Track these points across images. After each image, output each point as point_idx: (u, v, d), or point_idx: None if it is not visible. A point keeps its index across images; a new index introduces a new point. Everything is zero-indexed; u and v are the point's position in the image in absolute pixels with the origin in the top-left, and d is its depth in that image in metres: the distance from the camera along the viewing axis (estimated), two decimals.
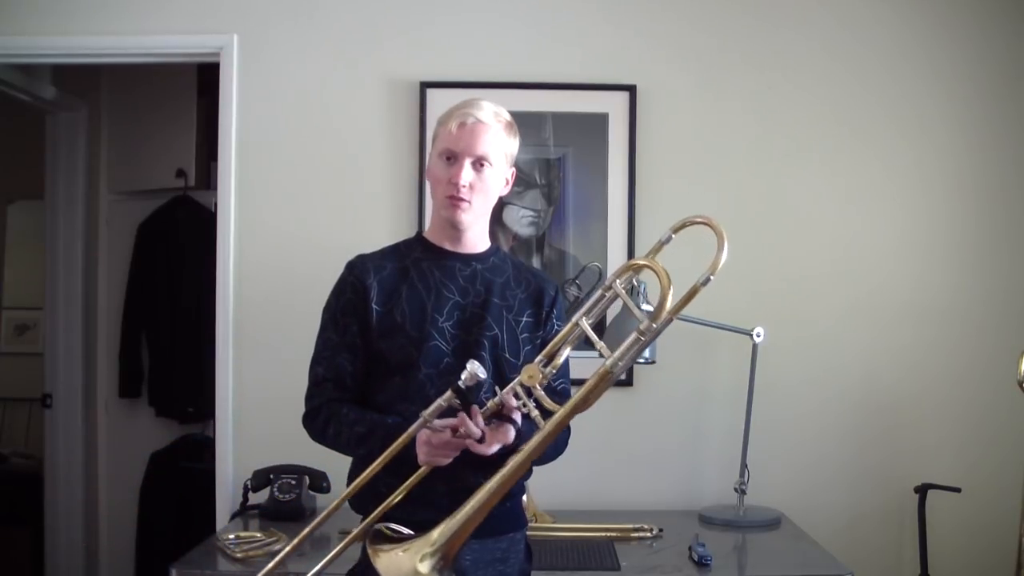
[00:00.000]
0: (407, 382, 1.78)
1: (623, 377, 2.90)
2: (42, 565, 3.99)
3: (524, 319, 1.87)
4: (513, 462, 1.55)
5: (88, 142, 4.03)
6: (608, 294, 1.68)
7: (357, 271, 1.86)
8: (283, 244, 2.92)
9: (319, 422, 1.82)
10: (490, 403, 1.65)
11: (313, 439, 1.84)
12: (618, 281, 1.67)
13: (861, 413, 2.93)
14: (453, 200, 1.80)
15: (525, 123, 2.92)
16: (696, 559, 2.29)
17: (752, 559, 2.50)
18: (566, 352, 1.67)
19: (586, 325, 1.63)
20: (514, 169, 1.91)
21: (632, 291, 2.70)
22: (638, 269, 1.67)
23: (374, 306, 1.82)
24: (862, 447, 2.93)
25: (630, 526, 2.55)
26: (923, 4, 2.96)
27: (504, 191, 1.90)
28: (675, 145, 2.94)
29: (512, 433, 1.68)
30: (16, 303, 5.08)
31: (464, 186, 1.79)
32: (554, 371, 1.65)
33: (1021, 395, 2.56)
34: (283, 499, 2.69)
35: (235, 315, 2.92)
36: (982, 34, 2.95)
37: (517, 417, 1.67)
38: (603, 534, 2.53)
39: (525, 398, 1.63)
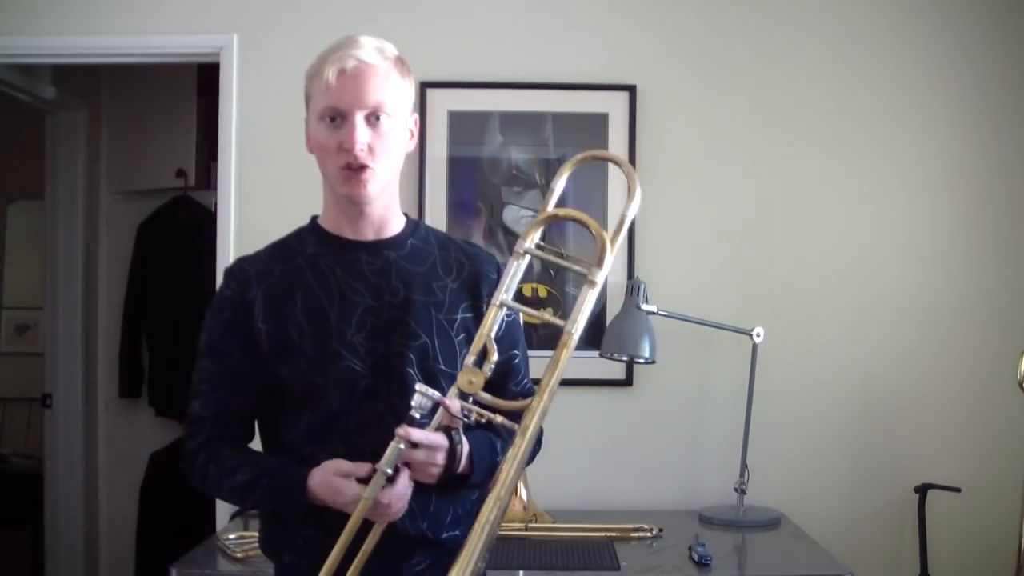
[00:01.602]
0: (317, 416, 1.43)
1: (623, 377, 2.90)
2: (42, 565, 3.99)
3: (459, 316, 1.50)
4: (503, 479, 1.30)
5: (88, 142, 4.03)
6: (522, 261, 1.42)
7: (236, 282, 1.48)
8: None
9: (198, 467, 1.49)
10: (433, 421, 1.34)
11: (196, 487, 1.53)
12: (530, 240, 1.42)
13: (861, 413, 2.92)
14: (351, 171, 1.43)
15: (525, 123, 2.94)
16: (696, 559, 2.29)
17: (752, 559, 2.50)
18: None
19: (511, 302, 1.40)
20: (416, 116, 1.55)
21: (633, 290, 2.70)
22: (551, 221, 1.47)
23: (260, 325, 1.45)
24: (862, 447, 2.92)
25: (630, 526, 2.55)
26: (923, 5, 2.95)
27: (410, 147, 1.52)
28: (675, 145, 2.94)
29: (440, 455, 1.35)
30: (16, 303, 5.09)
31: (362, 149, 1.41)
32: (492, 366, 1.35)
33: (1021, 395, 2.55)
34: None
35: None
36: (985, 34, 2.95)
37: (441, 442, 1.35)
38: (603, 534, 2.53)
39: (472, 407, 1.35)
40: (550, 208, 1.48)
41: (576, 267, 1.44)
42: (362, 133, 1.41)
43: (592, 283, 1.39)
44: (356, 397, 1.43)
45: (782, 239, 2.94)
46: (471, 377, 1.34)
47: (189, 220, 3.97)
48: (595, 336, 2.86)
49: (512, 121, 2.91)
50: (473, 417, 1.36)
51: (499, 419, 1.34)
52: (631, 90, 2.91)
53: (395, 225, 1.54)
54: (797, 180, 2.95)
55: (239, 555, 2.30)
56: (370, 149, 1.43)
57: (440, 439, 1.35)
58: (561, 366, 1.36)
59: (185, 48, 2.99)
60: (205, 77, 3.75)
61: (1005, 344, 2.80)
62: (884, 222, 2.95)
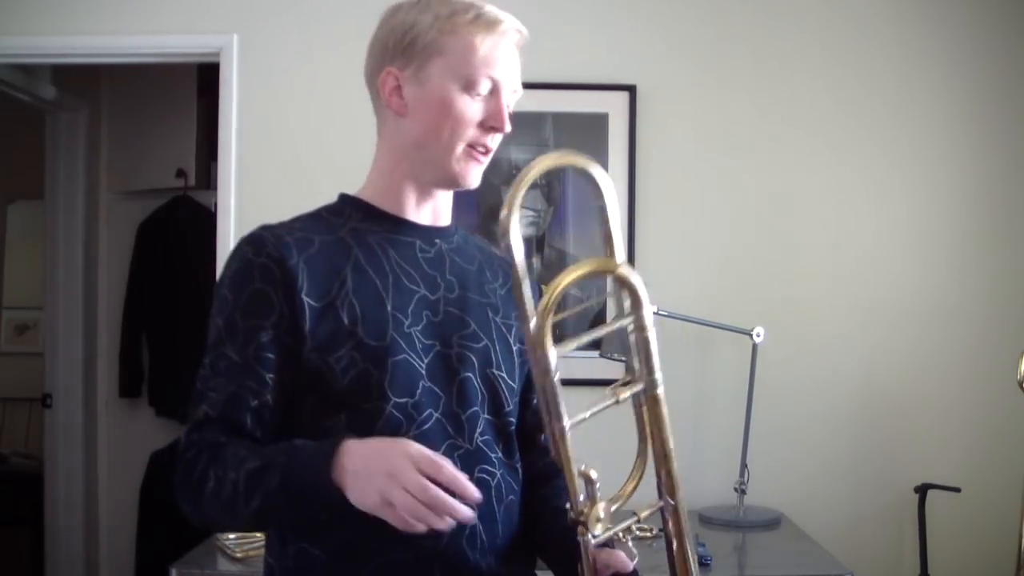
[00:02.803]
0: (366, 421, 1.14)
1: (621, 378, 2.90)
2: (42, 565, 3.99)
3: (514, 323, 1.31)
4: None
5: (88, 142, 4.03)
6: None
7: (270, 247, 1.18)
8: None
9: (192, 481, 1.13)
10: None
11: (186, 513, 1.20)
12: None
13: (861, 413, 2.93)
14: (479, 152, 1.24)
15: (525, 123, 2.94)
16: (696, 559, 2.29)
17: (752, 559, 2.50)
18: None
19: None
20: None
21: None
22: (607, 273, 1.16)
23: (305, 299, 1.16)
24: (862, 447, 2.92)
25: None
26: (923, 4, 2.96)
27: None
28: (675, 145, 2.94)
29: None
30: (16, 303, 5.08)
31: (505, 133, 1.24)
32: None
33: (1021, 395, 2.55)
34: None
35: None
36: (985, 34, 2.95)
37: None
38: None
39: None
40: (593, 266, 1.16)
41: (624, 322, 1.16)
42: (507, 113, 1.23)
43: (644, 329, 1.12)
44: (416, 401, 1.18)
45: (782, 239, 2.94)
46: (598, 516, 1.13)
47: (189, 220, 3.97)
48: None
49: (512, 121, 2.90)
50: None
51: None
52: (631, 90, 2.91)
53: (448, 216, 1.34)
54: (797, 180, 2.95)
55: (239, 555, 2.30)
56: (507, 132, 1.26)
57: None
58: (668, 427, 1.15)
59: (185, 48, 2.99)
60: (205, 77, 3.75)
61: (1005, 344, 2.80)
62: (884, 222, 2.96)
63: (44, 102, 3.80)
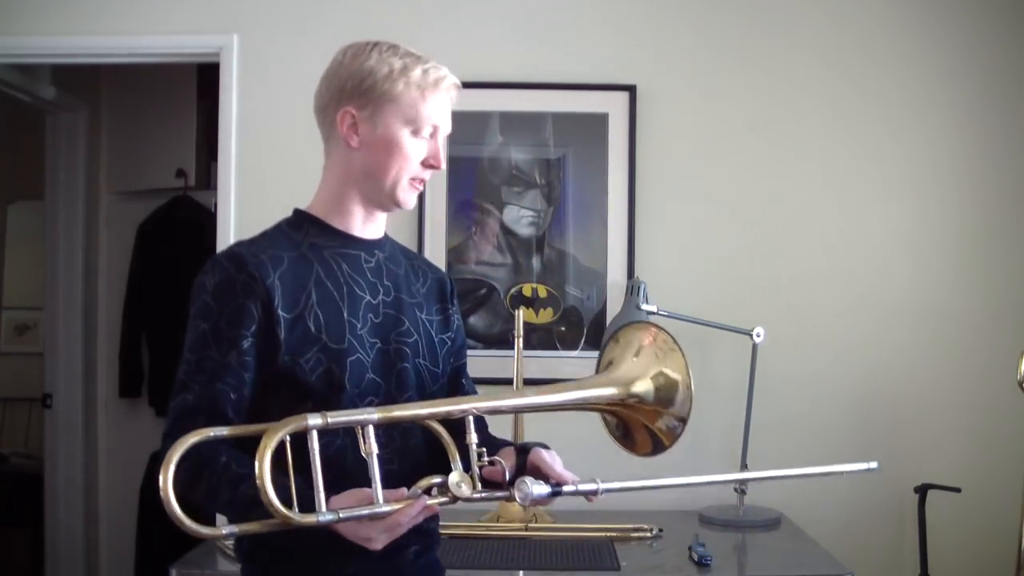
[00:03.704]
0: (324, 408, 1.30)
1: None
2: (42, 565, 3.99)
3: (435, 317, 1.58)
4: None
5: (88, 142, 4.03)
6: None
7: (251, 266, 1.40)
8: None
9: (184, 472, 1.25)
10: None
11: (175, 493, 1.24)
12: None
13: (861, 413, 2.92)
14: (418, 183, 1.50)
15: (525, 123, 2.94)
16: (696, 559, 2.29)
17: (752, 559, 2.50)
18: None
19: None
20: None
21: (633, 290, 2.70)
22: None
23: (280, 312, 1.39)
24: (862, 447, 2.92)
25: (630, 526, 2.55)
26: (919, 7, 2.96)
27: None
28: (675, 145, 2.94)
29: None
30: (16, 303, 5.09)
31: (442, 168, 1.51)
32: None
33: (1021, 395, 2.55)
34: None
35: None
36: (978, 35, 2.95)
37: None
38: (603, 534, 2.53)
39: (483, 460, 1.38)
40: None
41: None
42: (444, 153, 1.51)
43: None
44: (361, 391, 1.43)
45: (782, 239, 2.94)
46: (461, 485, 1.32)
47: (189, 220, 3.97)
48: (595, 336, 2.87)
49: (512, 121, 2.91)
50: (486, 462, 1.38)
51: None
52: (631, 90, 2.91)
53: (382, 229, 1.59)
54: (797, 180, 2.95)
55: None
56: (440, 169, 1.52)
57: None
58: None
59: (185, 48, 2.99)
60: (205, 77, 3.75)
61: (1005, 344, 2.80)
62: (884, 222, 2.95)
63: (44, 102, 3.80)
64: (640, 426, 1.55)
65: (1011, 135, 2.95)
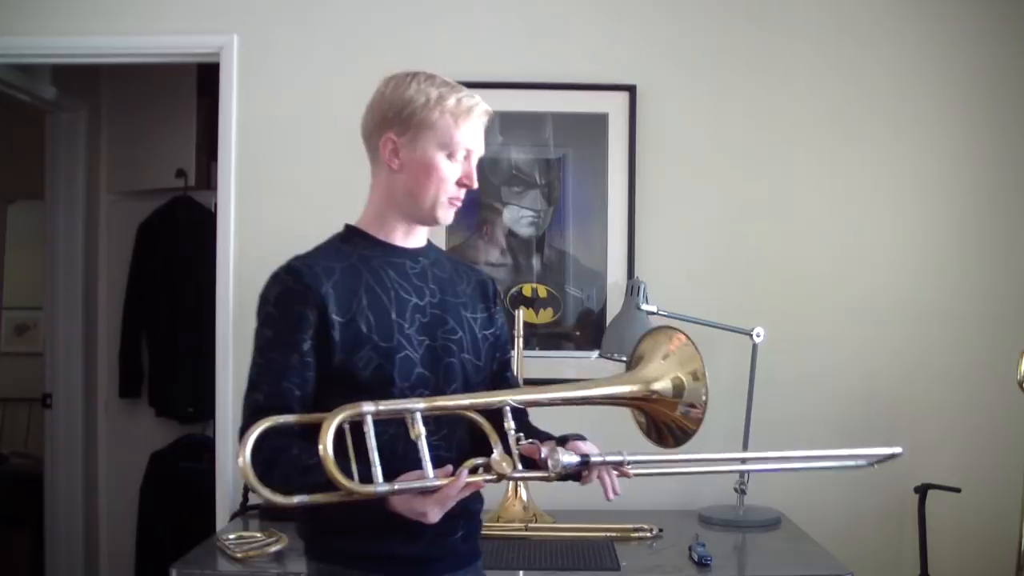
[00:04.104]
0: (377, 399, 1.49)
1: None
2: (42, 565, 3.99)
3: (479, 315, 1.73)
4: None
5: (88, 142, 4.03)
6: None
7: (306, 278, 1.58)
8: (283, 244, 2.86)
9: (260, 464, 1.43)
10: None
11: (252, 481, 1.45)
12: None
13: (861, 413, 2.92)
14: (457, 202, 1.65)
15: (525, 123, 2.94)
16: (696, 559, 2.29)
17: (752, 559, 2.50)
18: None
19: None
20: None
21: (633, 290, 2.70)
22: None
23: (335, 317, 1.56)
24: (862, 447, 2.91)
25: (630, 526, 2.55)
26: (921, 7, 2.96)
27: None
28: (675, 145, 2.94)
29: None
30: (16, 303, 5.09)
31: (475, 187, 1.66)
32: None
33: (1021, 395, 2.55)
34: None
35: (235, 315, 2.91)
36: (980, 37, 2.95)
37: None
38: (603, 534, 2.53)
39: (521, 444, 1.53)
40: None
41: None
42: (476, 173, 1.66)
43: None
44: (411, 384, 1.59)
45: (782, 239, 2.94)
46: (503, 465, 1.47)
47: (189, 220, 3.97)
48: (595, 336, 2.86)
49: (512, 121, 2.91)
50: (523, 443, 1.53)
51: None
52: (631, 90, 2.91)
53: (424, 239, 1.74)
54: (797, 180, 2.95)
55: (239, 555, 2.30)
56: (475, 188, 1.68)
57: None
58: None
59: (185, 48, 2.99)
60: (205, 77, 3.75)
61: (1005, 344, 2.80)
62: (885, 222, 2.95)
63: (44, 102, 3.80)
64: (665, 419, 1.76)
65: (1013, 137, 2.94)
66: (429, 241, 1.75)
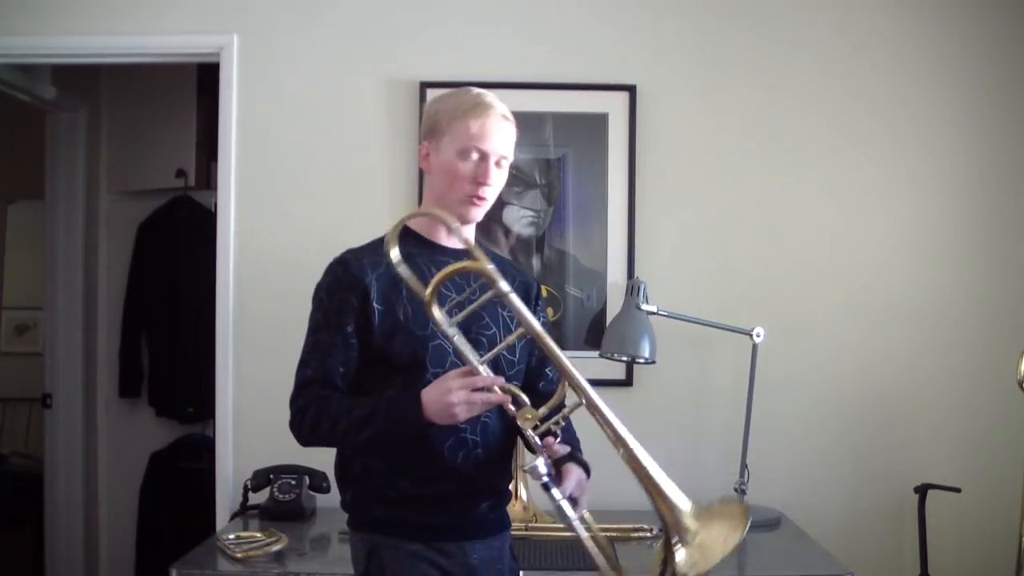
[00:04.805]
0: (411, 383, 1.70)
1: (623, 377, 2.90)
2: (42, 565, 3.99)
3: None
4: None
5: (88, 142, 4.03)
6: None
7: (353, 269, 1.77)
8: (283, 244, 2.92)
9: (308, 420, 1.73)
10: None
11: (302, 442, 1.76)
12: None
13: (861, 413, 2.93)
14: (475, 199, 1.77)
15: (525, 123, 2.90)
16: None
17: (752, 559, 2.50)
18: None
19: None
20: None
21: (633, 290, 2.70)
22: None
23: (375, 305, 1.74)
24: (862, 447, 2.93)
25: (630, 526, 2.55)
26: (919, 9, 2.96)
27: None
28: (675, 145, 2.94)
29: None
30: (16, 303, 5.08)
31: (490, 186, 1.77)
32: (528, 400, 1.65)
33: (1021, 395, 2.56)
34: (283, 499, 2.69)
35: (235, 315, 2.92)
36: (977, 39, 2.95)
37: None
38: (603, 534, 2.52)
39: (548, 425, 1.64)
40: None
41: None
42: (497, 175, 1.78)
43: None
44: (446, 371, 1.69)
45: (782, 239, 2.94)
46: (527, 415, 1.62)
47: (189, 220, 3.97)
48: (595, 336, 2.86)
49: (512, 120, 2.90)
50: (553, 428, 1.64)
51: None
52: (631, 90, 2.92)
53: (470, 238, 1.81)
54: (797, 180, 2.95)
55: (239, 555, 2.30)
56: (493, 186, 1.78)
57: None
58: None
59: (185, 48, 2.99)
60: (205, 77, 3.75)
61: (1005, 344, 2.80)
62: (884, 222, 2.96)
63: (44, 102, 3.80)
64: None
65: (1008, 136, 2.95)
66: (479, 242, 1.82)
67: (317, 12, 2.94)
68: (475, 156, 1.76)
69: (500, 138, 1.78)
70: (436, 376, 1.70)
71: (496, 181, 1.79)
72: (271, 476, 2.72)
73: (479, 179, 1.76)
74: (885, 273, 2.95)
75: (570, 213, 2.93)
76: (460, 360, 1.69)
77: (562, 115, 2.92)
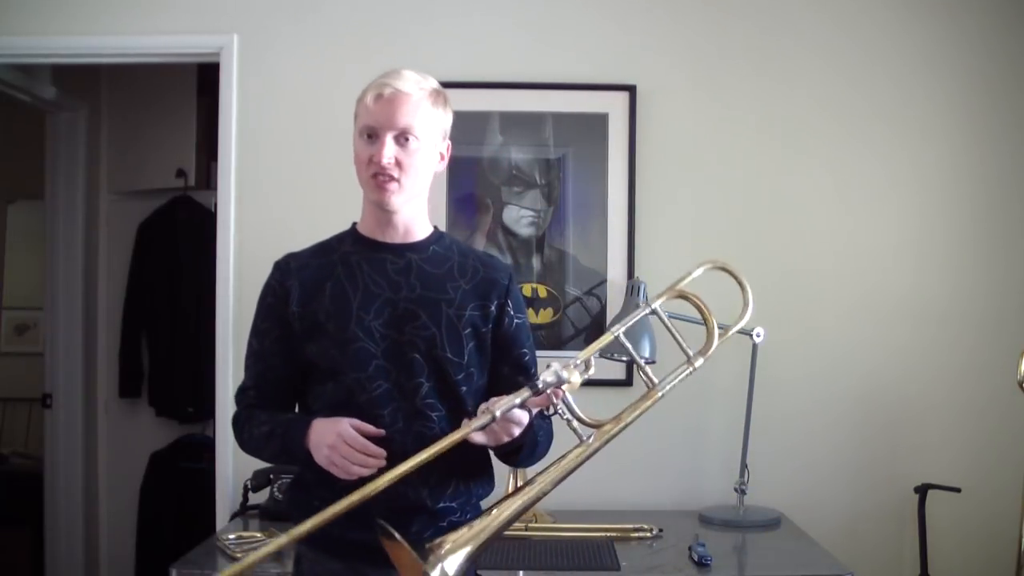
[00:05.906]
0: (336, 389, 1.65)
1: (623, 377, 2.90)
2: (42, 565, 3.99)
3: (468, 313, 1.70)
4: (554, 475, 1.59)
5: (88, 142, 4.03)
6: (648, 315, 1.80)
7: (280, 272, 1.75)
8: (283, 244, 2.88)
9: (236, 429, 1.75)
10: (517, 398, 1.53)
11: (240, 448, 1.77)
12: (659, 303, 1.80)
13: (861, 413, 2.93)
14: (378, 180, 1.65)
15: (525, 123, 2.94)
16: (696, 559, 2.29)
17: (752, 559, 2.50)
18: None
19: (624, 339, 1.71)
20: (449, 143, 1.77)
21: (633, 290, 2.70)
22: (683, 296, 1.90)
23: (293, 308, 1.69)
24: (862, 447, 2.92)
25: (630, 526, 2.55)
26: (921, 8, 2.96)
27: (439, 167, 1.74)
28: (675, 145, 2.94)
29: (518, 430, 1.59)
30: (16, 303, 5.08)
31: (388, 163, 1.63)
32: (587, 376, 1.60)
33: (1021, 395, 2.55)
34: (283, 499, 2.69)
35: (235, 315, 2.91)
36: (980, 36, 2.95)
37: (525, 418, 1.59)
38: (603, 534, 2.53)
39: (563, 406, 1.57)
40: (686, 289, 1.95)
41: (684, 347, 1.84)
42: (389, 150, 1.64)
43: (691, 364, 1.85)
44: (369, 375, 1.64)
45: (782, 239, 2.94)
46: (572, 377, 1.56)
47: (189, 220, 3.97)
48: (595, 336, 2.86)
49: (512, 121, 2.91)
50: (557, 412, 1.58)
51: (576, 423, 1.59)
52: (631, 90, 2.91)
53: (420, 232, 1.75)
54: (797, 180, 2.95)
55: (239, 555, 2.30)
56: (397, 164, 1.65)
57: (523, 416, 1.59)
58: (638, 412, 1.80)
59: (185, 48, 2.99)
60: (205, 77, 3.75)
61: (1005, 344, 2.80)
62: (885, 222, 2.95)
63: (44, 102, 3.80)
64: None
65: (1013, 138, 2.95)
66: (442, 235, 1.78)
67: (317, 12, 2.94)
68: (367, 135, 1.67)
69: (394, 111, 1.64)
70: (357, 382, 1.64)
71: (401, 158, 1.64)
72: (271, 476, 2.72)
73: (374, 157, 1.64)
74: (886, 273, 2.95)
75: (570, 213, 2.93)
76: (388, 363, 1.64)
77: (562, 115, 2.92)
